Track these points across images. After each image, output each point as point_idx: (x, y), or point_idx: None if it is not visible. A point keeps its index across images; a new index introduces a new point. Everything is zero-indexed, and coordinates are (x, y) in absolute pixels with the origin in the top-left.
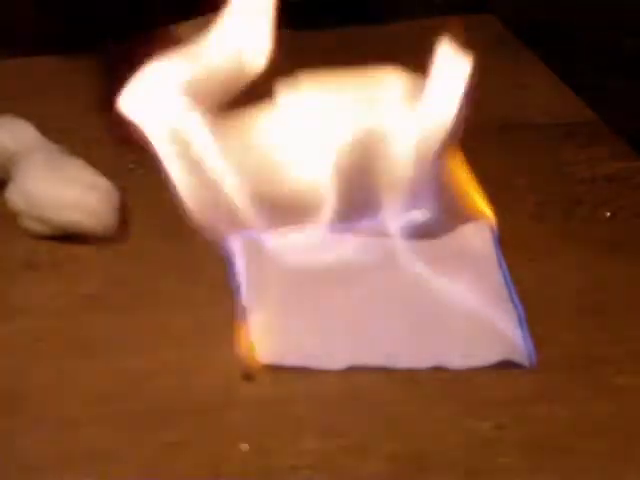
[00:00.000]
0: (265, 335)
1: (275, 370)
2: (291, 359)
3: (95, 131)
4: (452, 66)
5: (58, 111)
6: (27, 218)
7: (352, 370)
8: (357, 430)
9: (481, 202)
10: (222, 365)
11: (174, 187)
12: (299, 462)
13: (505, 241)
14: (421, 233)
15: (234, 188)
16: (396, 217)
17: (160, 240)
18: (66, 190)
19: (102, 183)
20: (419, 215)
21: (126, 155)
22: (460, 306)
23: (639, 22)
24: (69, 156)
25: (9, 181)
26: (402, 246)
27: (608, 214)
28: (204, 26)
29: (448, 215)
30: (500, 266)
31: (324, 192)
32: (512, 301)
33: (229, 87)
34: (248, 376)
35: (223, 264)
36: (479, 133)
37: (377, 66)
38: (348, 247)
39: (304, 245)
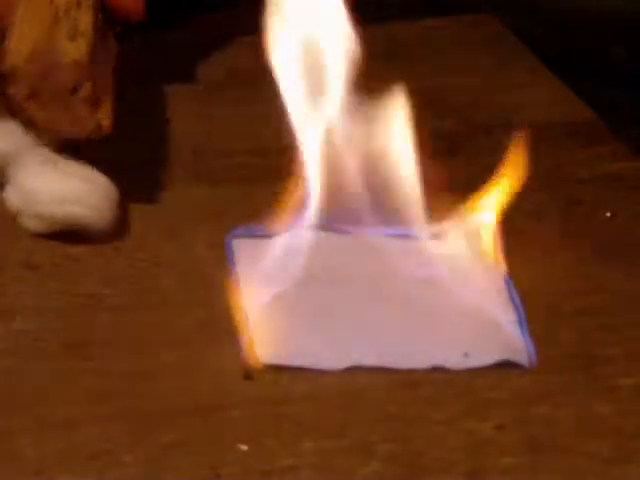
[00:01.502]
0: (265, 335)
1: (275, 370)
2: (291, 359)
3: None
4: None
5: None
6: (26, 216)
7: (352, 370)
8: (357, 431)
9: (482, 202)
10: (222, 365)
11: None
12: (299, 462)
13: (505, 241)
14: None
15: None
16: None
17: (160, 240)
18: (63, 184)
19: (99, 177)
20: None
21: (127, 155)
22: (460, 306)
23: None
24: (65, 154)
25: (6, 182)
26: (402, 246)
27: (608, 214)
28: None
29: (448, 215)
30: (500, 266)
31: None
32: (512, 301)
33: None
34: (248, 376)
35: (223, 264)
36: (479, 133)
37: None
38: (348, 247)
39: (304, 245)
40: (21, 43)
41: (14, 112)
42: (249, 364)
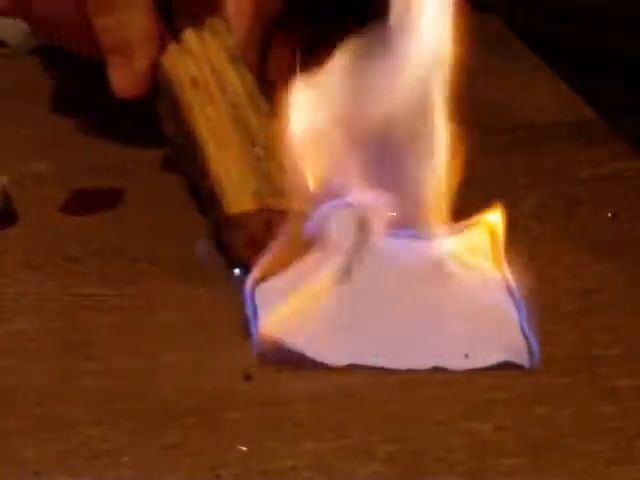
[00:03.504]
0: (270, 310)
1: (275, 371)
2: (292, 340)
3: (93, 131)
4: None
5: (59, 110)
6: None
7: (351, 370)
8: (357, 431)
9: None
10: (222, 365)
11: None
12: (299, 463)
13: (505, 241)
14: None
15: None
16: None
17: (159, 240)
18: None
19: None
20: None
21: (127, 155)
22: (461, 307)
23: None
24: None
25: None
26: (403, 247)
27: (609, 214)
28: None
29: (449, 216)
30: (502, 267)
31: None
32: (514, 302)
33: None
34: (248, 376)
35: (223, 264)
36: (479, 133)
37: None
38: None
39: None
40: (235, 191)
41: (231, 258)
42: (261, 340)
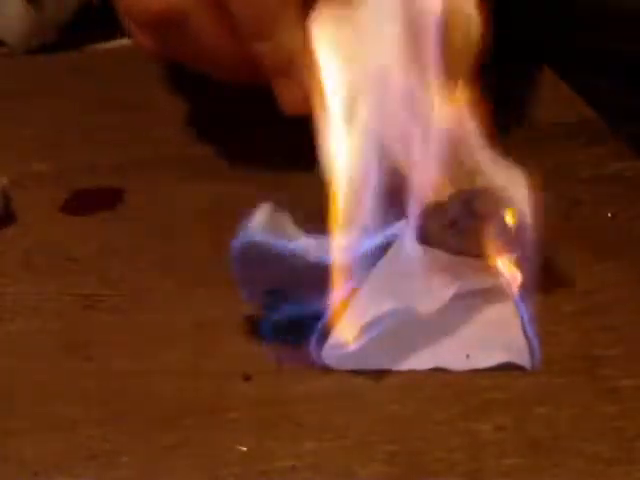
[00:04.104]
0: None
1: (274, 371)
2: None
3: (94, 131)
4: None
5: (59, 109)
6: None
7: (351, 371)
8: (357, 431)
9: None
10: (222, 365)
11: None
12: (298, 463)
13: None
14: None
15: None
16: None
17: (159, 240)
18: None
19: None
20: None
21: (127, 155)
22: (462, 307)
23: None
24: None
25: None
26: (404, 247)
27: (609, 214)
28: None
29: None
30: (504, 267)
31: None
32: (515, 302)
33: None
34: (247, 377)
35: (223, 264)
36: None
37: None
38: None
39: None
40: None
41: (427, 242)
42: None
